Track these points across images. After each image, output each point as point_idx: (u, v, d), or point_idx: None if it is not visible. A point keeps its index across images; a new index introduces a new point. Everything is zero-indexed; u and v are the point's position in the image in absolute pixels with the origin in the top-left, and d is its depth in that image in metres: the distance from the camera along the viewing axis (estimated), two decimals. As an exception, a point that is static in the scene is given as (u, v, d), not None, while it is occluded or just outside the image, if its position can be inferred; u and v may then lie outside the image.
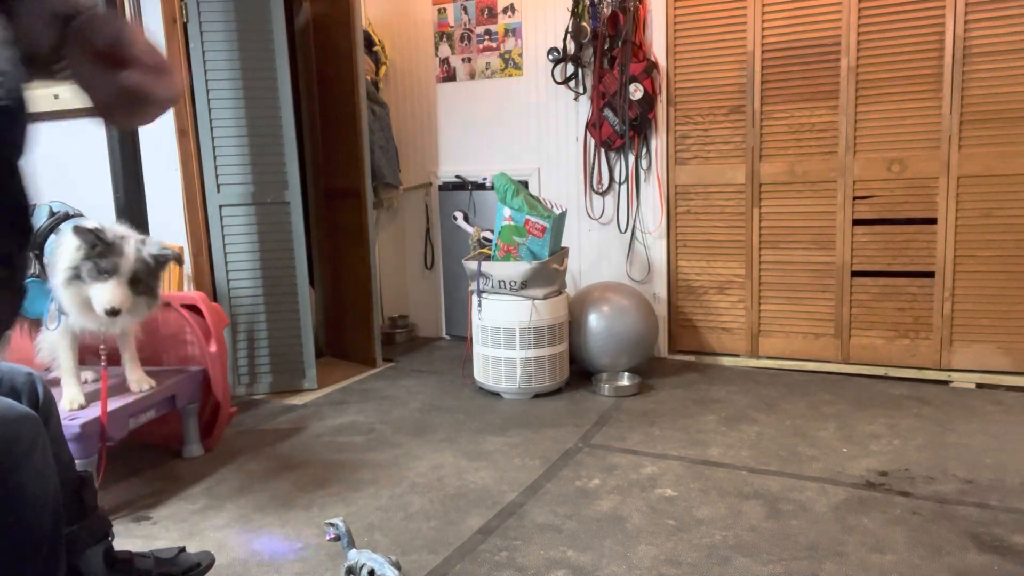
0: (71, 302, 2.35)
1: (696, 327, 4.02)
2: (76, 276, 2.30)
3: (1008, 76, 3.26)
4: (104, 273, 2.28)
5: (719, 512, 2.33)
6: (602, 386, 3.52)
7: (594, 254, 4.18)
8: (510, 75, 4.25)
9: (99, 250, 2.29)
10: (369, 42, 4.31)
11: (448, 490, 2.55)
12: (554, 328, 3.51)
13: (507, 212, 3.52)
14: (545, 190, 4.22)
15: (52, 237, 2.50)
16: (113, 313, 2.27)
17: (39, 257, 2.49)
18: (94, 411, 2.41)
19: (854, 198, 3.58)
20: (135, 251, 2.34)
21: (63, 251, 2.36)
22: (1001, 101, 3.28)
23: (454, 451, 2.89)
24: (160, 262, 2.41)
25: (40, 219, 2.53)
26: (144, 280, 2.36)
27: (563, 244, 3.66)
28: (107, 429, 2.42)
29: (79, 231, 2.29)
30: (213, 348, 2.88)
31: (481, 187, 4.38)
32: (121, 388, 2.63)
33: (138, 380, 2.65)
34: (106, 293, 2.27)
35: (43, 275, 2.49)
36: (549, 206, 3.62)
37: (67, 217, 2.58)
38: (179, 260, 2.50)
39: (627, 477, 2.59)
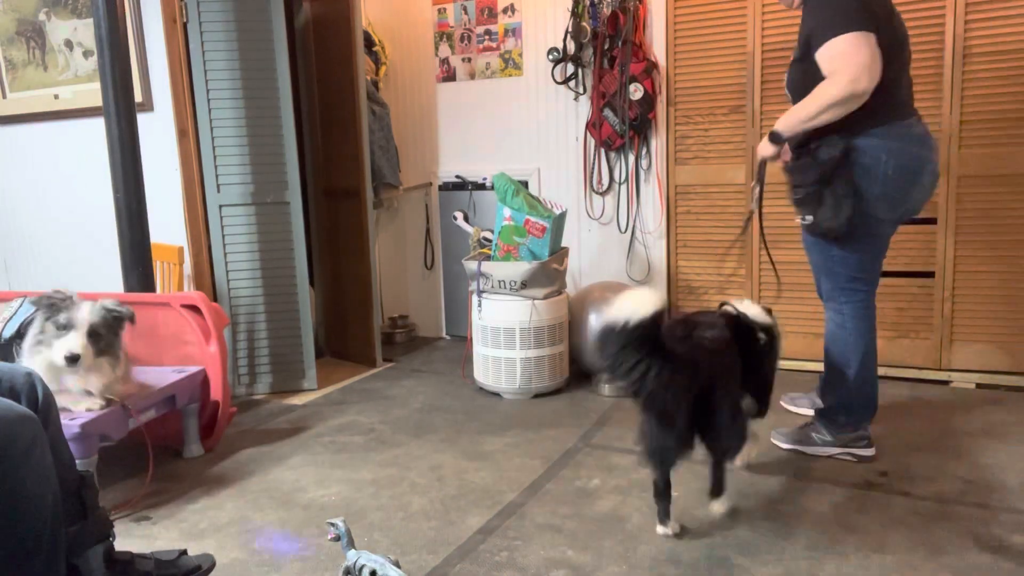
0: (40, 370, 2.35)
1: (696, 327, 4.01)
2: (41, 342, 2.38)
3: (1008, 76, 3.25)
4: (62, 328, 2.37)
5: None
6: (602, 386, 3.52)
7: (594, 254, 4.18)
8: (510, 75, 4.25)
9: (56, 309, 2.40)
10: (369, 42, 4.31)
11: (448, 490, 2.55)
12: (554, 328, 3.51)
13: (507, 212, 3.52)
14: (545, 190, 4.22)
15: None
16: (72, 359, 2.34)
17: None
18: (94, 411, 2.41)
19: (854, 198, 3.57)
20: (90, 306, 2.43)
21: (32, 327, 2.45)
22: (1001, 101, 3.28)
23: (454, 451, 2.89)
24: (116, 317, 2.47)
25: (26, 312, 2.55)
26: (104, 336, 2.43)
27: (563, 244, 3.66)
28: (107, 429, 2.42)
29: (35, 301, 2.43)
30: (213, 348, 2.88)
31: (481, 187, 4.38)
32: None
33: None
34: (65, 342, 2.35)
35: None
36: (549, 206, 3.61)
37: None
38: (132, 318, 2.52)
39: (627, 477, 2.59)
